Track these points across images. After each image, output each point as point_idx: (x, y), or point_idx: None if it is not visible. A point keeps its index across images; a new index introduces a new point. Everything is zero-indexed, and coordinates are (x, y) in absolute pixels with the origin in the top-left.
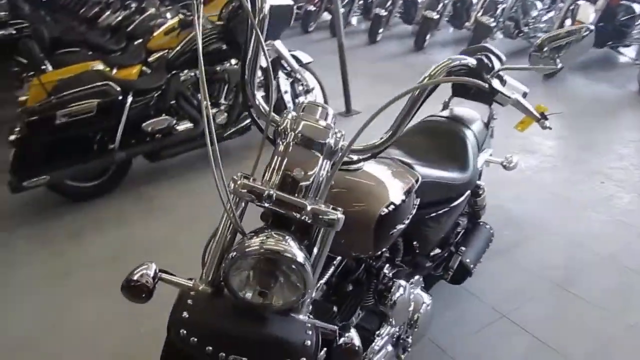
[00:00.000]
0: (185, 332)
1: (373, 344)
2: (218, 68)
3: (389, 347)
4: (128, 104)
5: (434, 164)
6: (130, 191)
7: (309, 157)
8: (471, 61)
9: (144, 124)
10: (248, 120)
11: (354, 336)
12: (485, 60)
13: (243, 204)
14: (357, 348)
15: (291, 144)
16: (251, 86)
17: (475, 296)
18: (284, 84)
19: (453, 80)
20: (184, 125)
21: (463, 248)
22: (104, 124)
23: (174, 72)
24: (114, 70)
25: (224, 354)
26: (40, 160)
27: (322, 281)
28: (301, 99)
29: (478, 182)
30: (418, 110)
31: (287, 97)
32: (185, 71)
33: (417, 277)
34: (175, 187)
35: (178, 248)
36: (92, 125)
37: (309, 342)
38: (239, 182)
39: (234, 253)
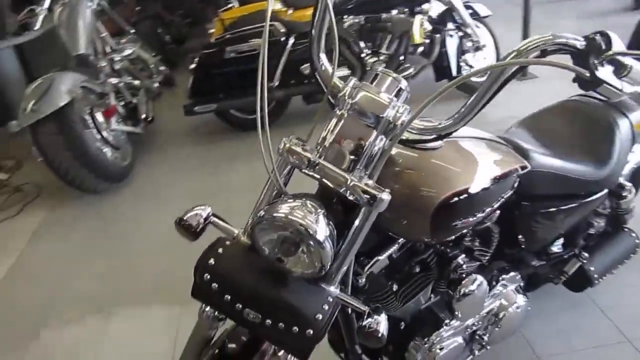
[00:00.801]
0: (208, 277)
1: (440, 330)
2: (383, 16)
3: (459, 339)
4: (289, 45)
5: (560, 153)
6: (284, 128)
7: (362, 130)
8: (578, 42)
9: (302, 67)
10: (408, 72)
11: (380, 321)
12: (598, 41)
13: (289, 167)
14: (379, 334)
15: (345, 113)
16: (317, 45)
17: (599, 309)
18: (451, 40)
19: (542, 62)
20: (342, 72)
21: (586, 254)
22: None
23: (338, 17)
24: (290, 11)
25: (240, 306)
26: (211, 89)
27: (382, 257)
28: (467, 56)
29: (624, 182)
30: (497, 93)
31: (451, 53)
32: (350, 17)
33: (513, 273)
34: None
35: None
36: (255, 63)
37: (320, 316)
38: (287, 145)
39: (262, 212)
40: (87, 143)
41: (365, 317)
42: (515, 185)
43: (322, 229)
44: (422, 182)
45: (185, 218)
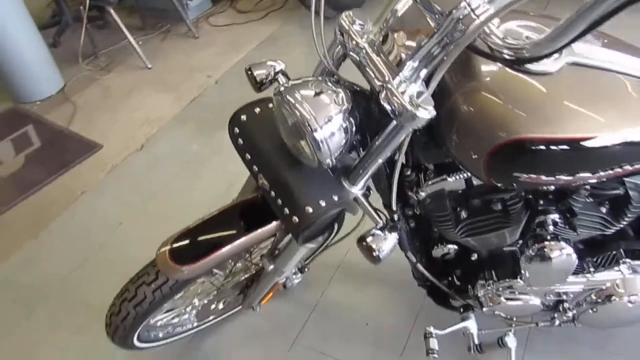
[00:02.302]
0: (237, 131)
1: (515, 280)
2: None
3: (536, 300)
4: None
5: None
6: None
7: (423, 25)
8: None
9: None
10: None
11: (385, 239)
12: None
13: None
14: (374, 253)
15: (410, 1)
16: None
17: None
18: None
19: None
20: None
21: None
22: None
23: None
24: None
25: (256, 168)
26: None
27: (450, 179)
28: None
29: None
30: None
31: None
32: None
33: None
34: None
35: None
36: None
37: (310, 209)
38: (341, 21)
39: (283, 87)
40: None
41: (376, 227)
42: None
43: (325, 129)
44: (493, 113)
45: (254, 68)
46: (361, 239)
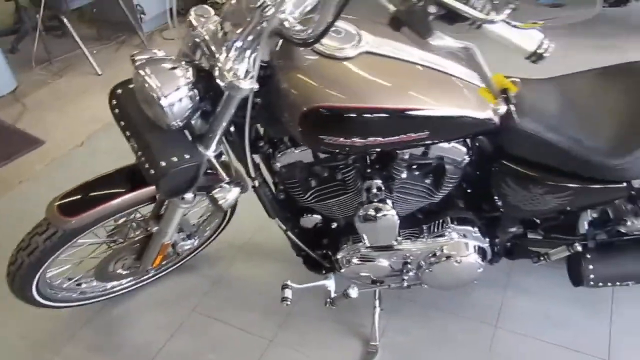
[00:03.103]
0: (114, 102)
1: (360, 243)
2: None
3: (383, 261)
4: None
5: (573, 123)
6: None
7: (241, 16)
8: None
9: None
10: None
11: (228, 193)
12: None
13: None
14: (217, 202)
15: None
16: None
17: (607, 319)
18: None
19: None
20: None
21: (589, 255)
22: None
23: None
24: None
25: (128, 134)
26: None
27: (296, 151)
28: None
29: None
30: None
31: None
32: None
33: (470, 228)
34: None
35: None
36: None
37: (164, 163)
38: (190, 14)
39: (141, 62)
40: None
41: (221, 184)
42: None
43: (170, 97)
44: (301, 88)
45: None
46: (209, 192)
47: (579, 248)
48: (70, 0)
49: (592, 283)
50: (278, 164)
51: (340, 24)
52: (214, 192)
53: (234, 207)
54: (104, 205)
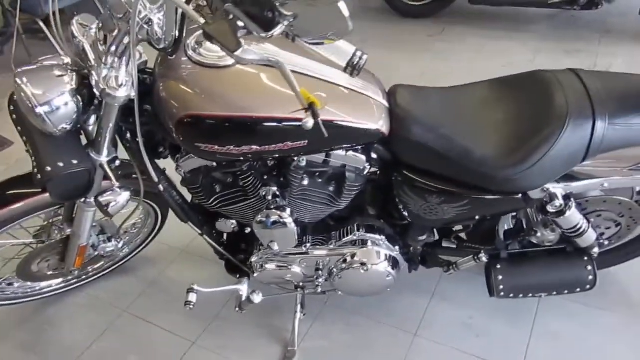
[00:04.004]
0: (12, 108)
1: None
2: None
3: (295, 268)
4: None
5: (463, 131)
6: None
7: (113, 25)
8: None
9: None
10: None
11: (117, 198)
12: None
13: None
14: (104, 206)
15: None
16: None
17: (528, 330)
18: None
19: None
20: None
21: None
22: None
23: None
24: None
25: (24, 139)
26: None
27: (195, 157)
28: None
29: (557, 192)
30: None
31: None
32: None
33: (378, 236)
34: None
35: None
36: None
37: (49, 168)
38: (72, 24)
39: (17, 71)
40: None
41: (109, 191)
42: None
43: (46, 106)
44: (177, 96)
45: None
46: (96, 198)
47: (484, 259)
48: (46, 4)
49: (502, 294)
50: (182, 170)
51: None
52: (101, 197)
53: (166, 212)
54: (13, 207)
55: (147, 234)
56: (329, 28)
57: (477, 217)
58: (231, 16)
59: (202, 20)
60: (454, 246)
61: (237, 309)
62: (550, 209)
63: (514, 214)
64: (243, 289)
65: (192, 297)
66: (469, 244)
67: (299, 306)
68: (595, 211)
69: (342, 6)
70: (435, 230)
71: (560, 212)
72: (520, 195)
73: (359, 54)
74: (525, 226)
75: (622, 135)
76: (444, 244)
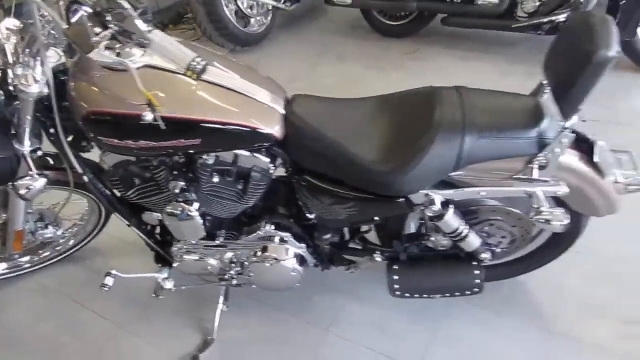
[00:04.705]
0: None
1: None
2: None
3: (211, 260)
4: None
5: (351, 138)
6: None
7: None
8: None
9: None
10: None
11: (31, 182)
12: None
13: None
14: (19, 191)
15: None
16: None
17: (429, 327)
18: None
19: None
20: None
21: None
22: None
23: None
24: None
25: None
26: None
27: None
28: None
29: (435, 196)
30: None
31: None
32: None
33: (286, 233)
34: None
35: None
36: None
37: None
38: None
39: None
40: None
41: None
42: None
43: None
44: (82, 93)
45: None
46: (13, 183)
47: (378, 259)
48: None
49: (398, 293)
50: (105, 163)
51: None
52: (17, 184)
53: None
54: None
55: (93, 225)
56: None
57: (375, 219)
58: (90, 24)
59: (65, 26)
60: (360, 247)
61: (154, 294)
62: (428, 212)
63: (421, 219)
64: (160, 276)
65: (109, 281)
66: (377, 246)
67: (221, 297)
68: (488, 219)
69: None
70: (345, 231)
71: (439, 216)
72: (402, 199)
73: (198, 60)
74: (424, 230)
75: (491, 147)
76: (351, 245)
